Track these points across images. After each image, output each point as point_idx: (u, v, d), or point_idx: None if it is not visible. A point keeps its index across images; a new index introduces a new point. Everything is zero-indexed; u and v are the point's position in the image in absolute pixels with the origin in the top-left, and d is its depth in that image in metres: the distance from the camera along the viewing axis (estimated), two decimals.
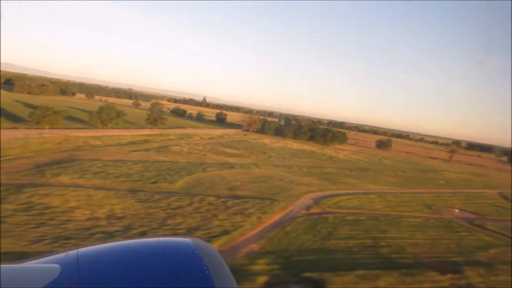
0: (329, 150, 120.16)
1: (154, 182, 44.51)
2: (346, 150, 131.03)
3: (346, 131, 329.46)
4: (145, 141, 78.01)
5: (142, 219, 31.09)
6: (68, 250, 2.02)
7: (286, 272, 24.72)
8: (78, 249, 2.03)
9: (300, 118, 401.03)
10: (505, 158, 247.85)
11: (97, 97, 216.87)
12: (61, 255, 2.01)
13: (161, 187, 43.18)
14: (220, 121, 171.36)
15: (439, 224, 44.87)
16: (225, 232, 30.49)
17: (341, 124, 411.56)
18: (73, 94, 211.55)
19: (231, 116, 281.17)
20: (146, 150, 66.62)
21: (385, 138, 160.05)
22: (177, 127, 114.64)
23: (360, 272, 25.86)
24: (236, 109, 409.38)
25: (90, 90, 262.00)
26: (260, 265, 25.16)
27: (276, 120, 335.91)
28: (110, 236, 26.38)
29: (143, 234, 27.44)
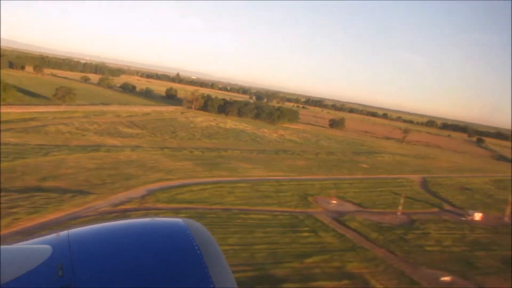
0: (267, 130, 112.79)
1: None
2: (290, 130, 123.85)
3: (319, 109, 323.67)
4: (29, 119, 69.82)
5: None
6: (59, 231, 2.03)
7: None
8: (69, 230, 2.06)
9: (276, 95, 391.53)
10: (474, 139, 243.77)
11: (47, 71, 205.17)
12: (52, 236, 2.00)
13: None
14: (170, 97, 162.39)
15: (288, 221, 38.12)
16: None
17: (319, 102, 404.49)
18: (22, 67, 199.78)
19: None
20: (8, 129, 58.54)
21: (338, 117, 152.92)
22: (92, 104, 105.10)
23: None
24: (211, 85, 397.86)
25: (45, 63, 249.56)
26: None
27: (247, 97, 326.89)
28: None
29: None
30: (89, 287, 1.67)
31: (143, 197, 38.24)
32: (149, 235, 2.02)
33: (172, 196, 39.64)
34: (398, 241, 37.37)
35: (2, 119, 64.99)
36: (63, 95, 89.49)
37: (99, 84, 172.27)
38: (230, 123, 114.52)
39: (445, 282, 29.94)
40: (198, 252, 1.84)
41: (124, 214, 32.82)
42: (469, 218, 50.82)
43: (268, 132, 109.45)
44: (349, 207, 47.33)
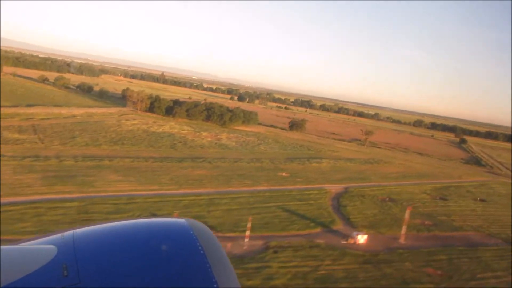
0: (207, 133, 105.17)
1: None
2: (238, 133, 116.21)
3: (303, 109, 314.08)
4: None
5: None
6: (64, 231, 2.05)
7: None
8: (74, 230, 2.07)
9: (261, 95, 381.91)
10: (458, 139, 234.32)
11: (8, 69, 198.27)
12: (57, 236, 2.02)
13: None
14: (125, 98, 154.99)
15: None
16: None
17: (306, 102, 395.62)
18: None
19: (175, 92, 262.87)
20: None
21: (299, 119, 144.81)
22: (14, 106, 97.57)
23: None
24: (189, 84, 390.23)
25: (20, 62, 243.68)
26: None
27: (229, 97, 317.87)
28: None
29: None
30: (93, 287, 1.68)
31: None
32: (153, 235, 2.02)
33: None
34: None
35: None
36: None
37: (54, 84, 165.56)
38: (169, 126, 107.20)
39: None
40: (202, 252, 1.85)
41: None
42: (351, 241, 43.07)
43: (207, 135, 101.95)
44: None
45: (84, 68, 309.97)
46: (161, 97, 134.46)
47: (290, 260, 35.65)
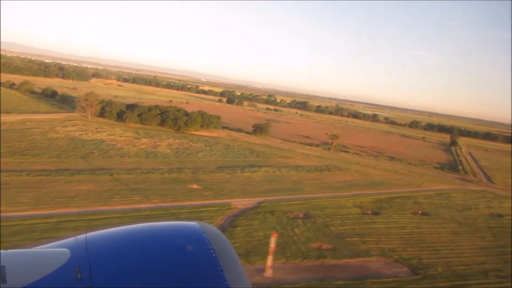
0: (146, 140, 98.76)
1: None
2: (189, 138, 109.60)
3: (294, 111, 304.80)
4: None
5: None
6: (77, 235, 2.09)
7: None
8: (87, 234, 2.12)
9: (251, 96, 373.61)
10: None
11: None
12: (70, 239, 2.06)
13: None
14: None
15: None
16: None
17: (304, 104, 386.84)
18: None
19: (162, 95, 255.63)
20: None
21: (263, 123, 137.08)
22: None
23: None
24: (181, 87, 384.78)
25: (5, 67, 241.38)
26: None
27: (224, 99, 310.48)
28: None
29: None
30: None
31: None
32: (165, 238, 2.03)
33: None
34: None
35: None
36: None
37: (18, 89, 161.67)
38: (109, 132, 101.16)
39: None
40: (214, 255, 1.85)
41: None
42: None
43: (145, 142, 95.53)
44: None
45: (72, 72, 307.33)
46: (115, 100, 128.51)
47: None
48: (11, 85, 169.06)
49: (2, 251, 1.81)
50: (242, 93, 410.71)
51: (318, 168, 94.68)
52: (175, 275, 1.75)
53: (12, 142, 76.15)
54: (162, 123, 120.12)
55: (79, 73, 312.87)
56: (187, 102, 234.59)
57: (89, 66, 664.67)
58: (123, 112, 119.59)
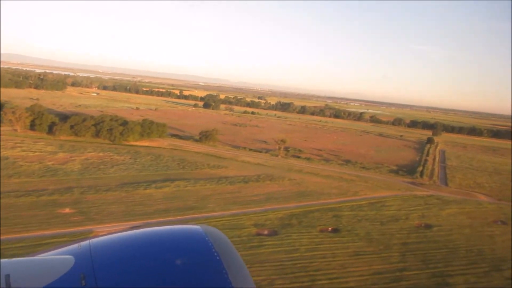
0: (63, 155, 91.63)
1: None
2: (118, 151, 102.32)
3: (273, 113, 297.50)
4: None
5: None
6: (81, 241, 2.09)
7: None
8: (90, 240, 2.11)
9: (239, 99, 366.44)
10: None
11: None
12: (74, 246, 2.06)
13: None
14: None
15: None
16: None
17: (288, 105, 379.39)
18: None
19: (136, 102, 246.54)
20: None
21: (210, 130, 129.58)
22: None
23: None
24: (168, 94, 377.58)
25: None
26: None
27: (199, 103, 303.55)
28: None
29: None
30: None
31: None
32: (169, 242, 2.07)
33: None
34: None
35: None
36: None
37: None
38: (25, 147, 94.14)
39: None
40: (218, 258, 1.89)
41: None
42: None
43: (61, 157, 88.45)
44: None
45: (47, 82, 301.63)
46: (76, 110, 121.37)
47: None
48: None
49: (6, 259, 1.80)
50: (226, 97, 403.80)
51: (246, 178, 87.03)
52: (180, 279, 1.75)
53: None
54: (97, 134, 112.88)
55: (53, 82, 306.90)
56: (155, 109, 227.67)
57: (91, 75, 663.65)
58: (54, 124, 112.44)
